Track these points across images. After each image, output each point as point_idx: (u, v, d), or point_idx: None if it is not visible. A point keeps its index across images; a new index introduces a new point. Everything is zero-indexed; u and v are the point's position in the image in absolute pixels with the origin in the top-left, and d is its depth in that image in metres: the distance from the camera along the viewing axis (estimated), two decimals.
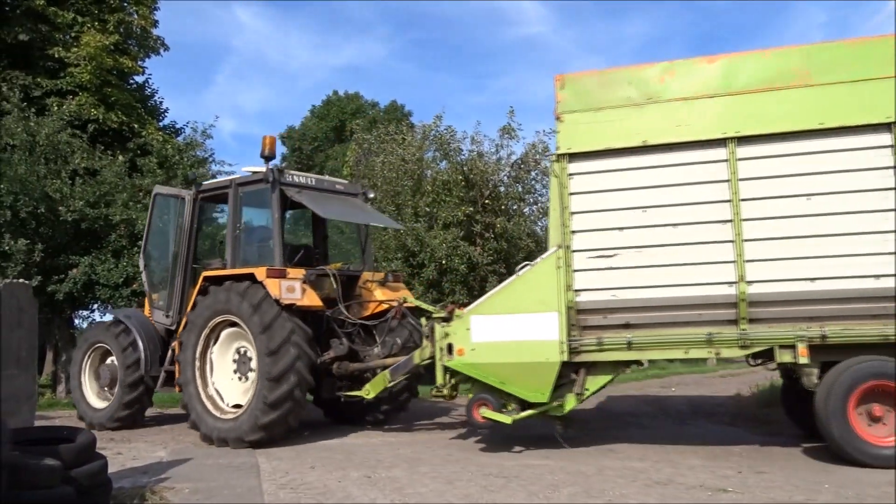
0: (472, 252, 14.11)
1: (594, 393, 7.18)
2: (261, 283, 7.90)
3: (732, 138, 6.60)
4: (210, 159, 16.99)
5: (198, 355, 8.20)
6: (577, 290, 6.88)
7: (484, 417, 7.12)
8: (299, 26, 75.09)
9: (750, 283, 6.45)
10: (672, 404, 11.09)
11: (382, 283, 9.16)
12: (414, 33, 72.31)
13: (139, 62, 18.92)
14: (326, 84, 78.03)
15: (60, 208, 12.86)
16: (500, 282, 8.77)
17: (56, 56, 16.54)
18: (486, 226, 14.72)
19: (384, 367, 8.32)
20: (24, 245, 12.17)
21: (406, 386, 8.77)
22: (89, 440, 4.73)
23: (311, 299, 8.24)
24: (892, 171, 6.22)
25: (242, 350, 8.28)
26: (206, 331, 8.22)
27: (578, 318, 6.90)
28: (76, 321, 15.53)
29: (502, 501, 5.29)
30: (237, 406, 8.10)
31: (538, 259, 7.17)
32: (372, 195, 9.85)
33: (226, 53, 75.05)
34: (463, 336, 7.17)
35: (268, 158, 8.69)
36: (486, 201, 14.97)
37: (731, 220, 6.54)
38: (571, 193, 7.00)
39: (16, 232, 12.67)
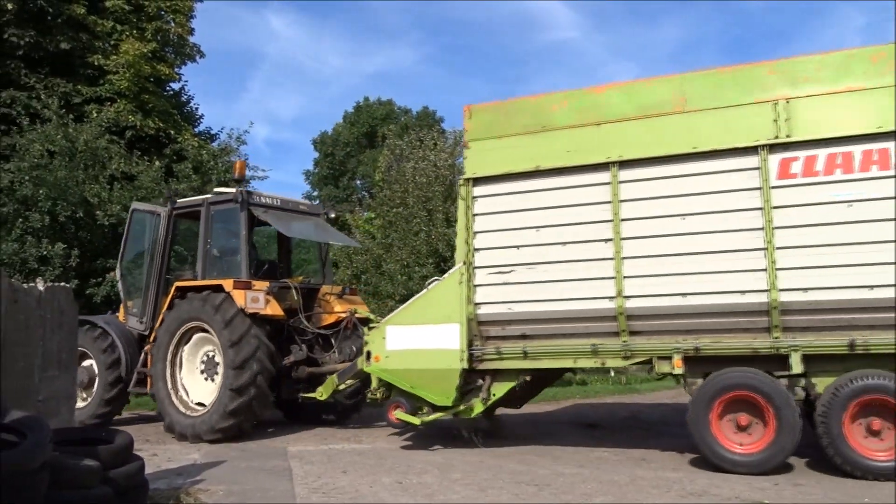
0: None
1: (499, 398, 7.74)
2: (228, 293, 8.91)
3: (615, 162, 7.06)
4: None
5: (169, 355, 9.27)
6: (477, 304, 7.50)
7: (398, 419, 7.84)
8: (332, 33, 77.06)
9: (628, 297, 6.90)
10: None
11: (340, 296, 10.03)
12: (445, 39, 73.14)
13: (176, 69, 19.54)
14: (358, 90, 79.89)
15: (98, 213, 13.72)
16: None
17: (96, 64, 17.16)
18: None
19: (333, 372, 9.17)
20: (61, 249, 13.06)
21: (358, 389, 9.58)
22: (127, 441, 4.75)
23: (274, 309, 9.20)
24: (759, 191, 6.55)
25: (210, 354, 9.30)
26: (178, 334, 9.27)
27: (480, 329, 7.52)
28: None
29: None
30: (201, 404, 9.12)
31: (446, 275, 7.83)
32: (333, 215, 10.75)
33: (259, 60, 77.46)
34: (379, 344, 7.92)
35: (238, 181, 9.78)
36: None
37: (612, 239, 7.01)
38: (475, 214, 7.63)
39: (54, 236, 13.50)
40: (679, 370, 6.76)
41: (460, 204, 7.78)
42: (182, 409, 9.11)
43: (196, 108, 20.70)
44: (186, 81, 22.81)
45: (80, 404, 10.29)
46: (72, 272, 13.57)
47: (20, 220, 13.86)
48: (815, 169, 6.40)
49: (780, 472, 6.30)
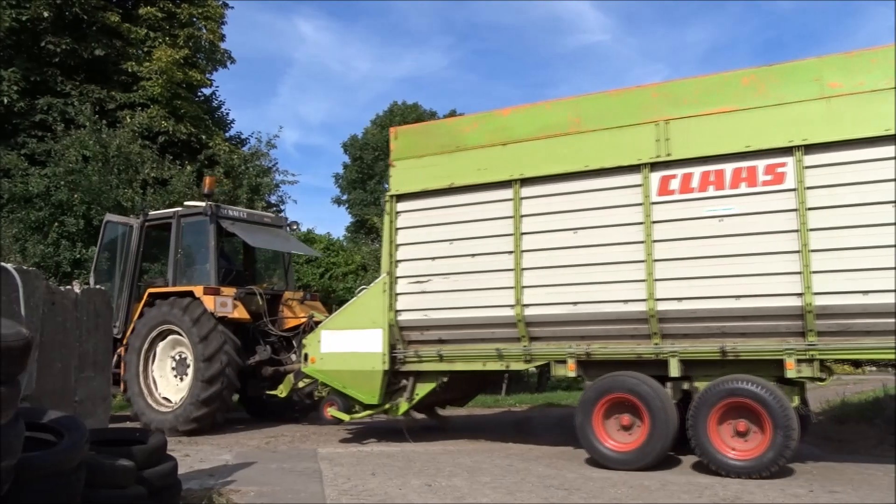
0: None
1: (422, 398, 8.37)
2: (198, 298, 9.80)
3: (517, 180, 7.60)
4: (274, 169, 17.88)
5: (142, 357, 10.21)
6: (398, 311, 8.14)
7: (331, 415, 8.57)
8: (360, 38, 77.27)
9: (526, 305, 7.44)
10: None
11: (301, 301, 10.83)
12: (473, 43, 73.10)
13: (207, 75, 20.07)
14: (387, 95, 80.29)
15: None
16: None
17: (129, 70, 17.71)
18: None
19: (290, 371, 9.97)
20: (94, 252, 13.45)
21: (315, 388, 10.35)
22: (161, 442, 4.78)
23: (241, 313, 10.09)
24: (641, 207, 7.00)
25: (181, 355, 10.21)
26: (151, 337, 10.21)
27: (402, 334, 8.16)
28: None
29: None
30: (171, 400, 10.04)
31: (372, 284, 8.51)
32: (295, 226, 11.55)
33: (288, 66, 78.42)
34: (315, 347, 8.65)
35: (208, 196, 10.68)
36: None
37: (513, 252, 7.56)
38: (398, 228, 8.28)
39: (88, 240, 14.03)
40: (573, 373, 7.27)
41: (385, 218, 8.44)
42: (156, 406, 10.04)
43: (227, 114, 21.27)
44: (217, 87, 23.59)
45: None
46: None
47: (56, 224, 14.60)
48: (692, 186, 6.81)
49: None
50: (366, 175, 39.55)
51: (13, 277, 4.60)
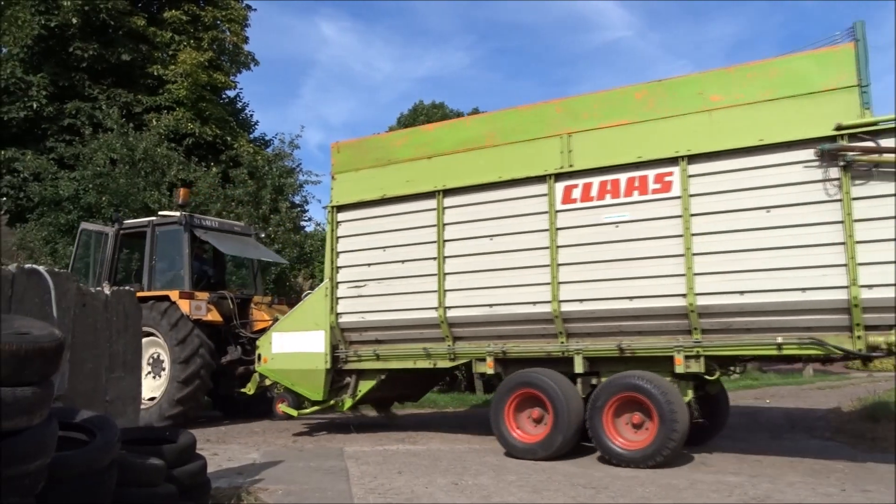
0: None
1: (365, 394, 8.98)
2: (174, 302, 10.56)
3: (440, 191, 8.16)
4: (297, 169, 17.99)
5: None
6: (339, 314, 8.77)
7: (282, 411, 9.24)
8: (382, 39, 78.28)
9: (448, 308, 8.00)
10: (767, 416, 10.71)
11: (269, 305, 11.52)
12: (494, 42, 73.20)
13: (231, 77, 20.36)
14: (409, 95, 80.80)
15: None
16: None
17: (155, 74, 18.00)
18: None
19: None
20: (123, 254, 13.70)
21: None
22: (190, 441, 4.81)
23: (214, 316, 10.83)
24: (547, 215, 7.50)
25: (156, 355, 10.98)
26: None
27: (343, 335, 8.78)
28: None
29: None
30: (151, 399, 10.82)
31: (317, 288, 9.15)
32: (263, 235, 12.24)
33: (311, 67, 79.63)
34: (267, 348, 9.33)
35: (182, 206, 11.45)
36: None
37: (437, 258, 8.12)
38: (338, 237, 8.90)
39: None
40: (491, 370, 7.81)
41: (328, 228, 9.06)
42: None
43: (251, 115, 21.52)
44: (241, 89, 23.22)
45: None
46: (132, 276, 14.56)
47: None
48: (591, 195, 7.29)
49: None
50: None
51: (45, 280, 4.63)
